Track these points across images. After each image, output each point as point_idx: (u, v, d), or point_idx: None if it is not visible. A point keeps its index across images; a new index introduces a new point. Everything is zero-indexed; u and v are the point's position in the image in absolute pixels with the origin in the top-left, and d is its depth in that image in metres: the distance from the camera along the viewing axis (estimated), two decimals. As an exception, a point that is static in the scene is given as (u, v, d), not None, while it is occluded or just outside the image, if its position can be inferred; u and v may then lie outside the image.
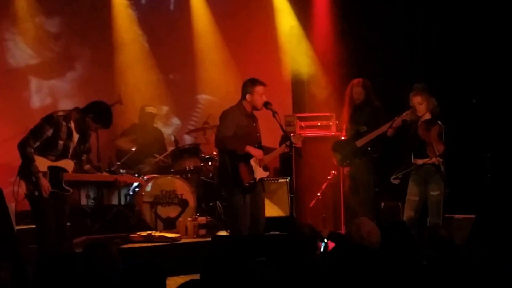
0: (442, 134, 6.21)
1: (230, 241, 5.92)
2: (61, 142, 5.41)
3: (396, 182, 6.32)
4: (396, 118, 6.42)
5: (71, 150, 5.49)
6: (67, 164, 5.49)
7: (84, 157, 5.63)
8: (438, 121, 6.26)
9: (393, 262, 3.58)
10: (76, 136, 5.49)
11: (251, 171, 5.92)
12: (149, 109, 7.88)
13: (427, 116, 6.31)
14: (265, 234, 6.17)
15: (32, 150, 5.32)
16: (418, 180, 6.34)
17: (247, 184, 5.89)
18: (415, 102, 6.31)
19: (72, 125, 5.45)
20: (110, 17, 8.15)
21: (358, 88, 6.97)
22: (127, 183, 5.86)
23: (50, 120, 5.39)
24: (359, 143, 6.85)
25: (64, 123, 5.40)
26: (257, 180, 5.99)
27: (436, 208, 6.32)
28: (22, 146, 5.32)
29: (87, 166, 5.66)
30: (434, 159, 6.16)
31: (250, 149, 5.88)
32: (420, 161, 6.27)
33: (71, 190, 5.60)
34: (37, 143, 5.33)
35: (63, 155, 5.46)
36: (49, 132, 5.36)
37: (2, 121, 7.29)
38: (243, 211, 5.90)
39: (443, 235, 4.27)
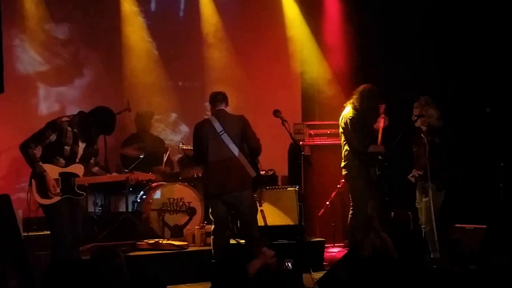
0: (426, 148, 6.28)
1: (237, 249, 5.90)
2: (67, 148, 5.39)
3: (412, 180, 6.53)
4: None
5: (79, 155, 5.47)
6: (77, 168, 5.47)
7: (92, 159, 5.61)
8: (423, 135, 6.37)
9: (408, 271, 3.54)
10: (82, 140, 5.46)
11: None
12: (145, 112, 7.80)
13: (424, 128, 6.43)
14: (273, 242, 6.14)
15: (34, 151, 5.30)
16: (419, 188, 6.60)
17: None
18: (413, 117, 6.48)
19: (77, 129, 5.42)
20: (119, 24, 8.13)
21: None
22: (138, 180, 5.80)
23: (54, 125, 5.38)
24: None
25: (69, 129, 5.38)
26: None
27: (424, 214, 6.50)
28: (24, 148, 5.31)
29: (95, 169, 5.65)
30: (414, 172, 6.45)
31: None
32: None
33: (85, 194, 5.59)
34: (38, 147, 5.32)
35: (71, 159, 5.44)
36: (52, 137, 5.33)
37: (10, 128, 7.27)
38: None
39: (464, 248, 4.27)
